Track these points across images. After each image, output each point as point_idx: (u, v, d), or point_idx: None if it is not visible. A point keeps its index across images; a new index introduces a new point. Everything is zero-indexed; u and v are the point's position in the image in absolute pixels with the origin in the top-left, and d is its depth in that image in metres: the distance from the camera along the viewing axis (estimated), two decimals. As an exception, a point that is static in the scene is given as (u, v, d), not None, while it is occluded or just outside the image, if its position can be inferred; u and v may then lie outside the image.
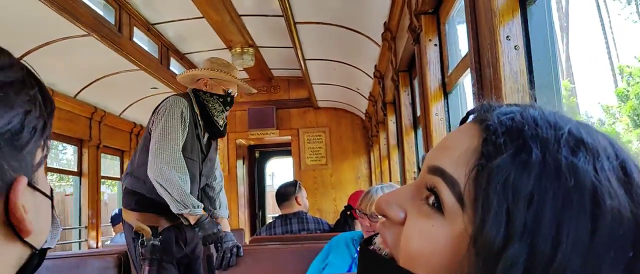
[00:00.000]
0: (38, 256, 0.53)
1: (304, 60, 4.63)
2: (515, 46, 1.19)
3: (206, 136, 2.55)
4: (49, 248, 0.56)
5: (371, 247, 0.53)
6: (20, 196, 0.46)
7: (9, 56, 0.49)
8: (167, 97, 2.43)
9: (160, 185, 2.23)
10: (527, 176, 0.42)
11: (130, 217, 2.43)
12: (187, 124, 2.37)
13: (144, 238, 2.36)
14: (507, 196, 0.42)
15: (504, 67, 1.18)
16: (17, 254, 0.49)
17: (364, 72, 4.57)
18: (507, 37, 1.19)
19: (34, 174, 0.50)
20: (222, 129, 2.56)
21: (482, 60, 1.32)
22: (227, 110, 2.54)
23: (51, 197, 0.54)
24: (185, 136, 2.37)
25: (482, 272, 0.42)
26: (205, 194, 2.68)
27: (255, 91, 2.78)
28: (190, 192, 2.29)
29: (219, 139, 2.72)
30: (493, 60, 1.22)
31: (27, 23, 3.14)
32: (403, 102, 3.23)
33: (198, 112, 2.48)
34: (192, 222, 2.26)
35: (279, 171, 10.55)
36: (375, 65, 4.04)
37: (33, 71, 0.51)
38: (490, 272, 0.41)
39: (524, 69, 1.18)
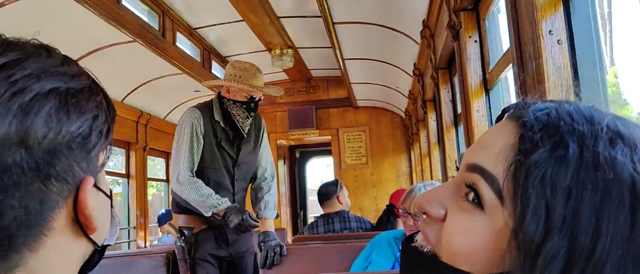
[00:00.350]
0: (99, 252, 0.56)
1: (343, 60, 4.65)
2: (558, 40, 1.17)
3: (236, 140, 2.56)
4: (109, 245, 0.59)
5: (413, 244, 0.54)
6: (87, 195, 0.49)
7: (77, 65, 0.52)
8: (186, 110, 2.52)
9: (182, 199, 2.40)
10: (565, 171, 0.42)
11: (175, 218, 2.60)
12: (201, 136, 2.42)
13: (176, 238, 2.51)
14: (545, 190, 0.42)
15: (547, 62, 1.16)
16: (83, 250, 0.52)
17: (402, 70, 4.53)
18: (550, 31, 1.17)
19: (98, 176, 0.53)
20: (246, 134, 2.55)
21: (524, 56, 1.31)
22: (251, 115, 2.51)
23: (111, 197, 0.57)
24: (201, 147, 2.42)
25: (524, 265, 0.43)
26: (254, 195, 2.68)
27: (281, 92, 2.73)
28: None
29: (266, 139, 2.73)
30: (535, 56, 1.20)
31: (77, 31, 3.28)
32: (443, 99, 3.20)
33: (221, 119, 2.50)
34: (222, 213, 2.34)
35: (315, 171, 10.53)
36: (414, 63, 4.00)
37: (97, 79, 0.54)
38: (532, 265, 0.42)
39: (567, 64, 1.16)
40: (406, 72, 4.47)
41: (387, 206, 3.61)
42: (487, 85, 2.17)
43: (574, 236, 0.41)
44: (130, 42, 3.44)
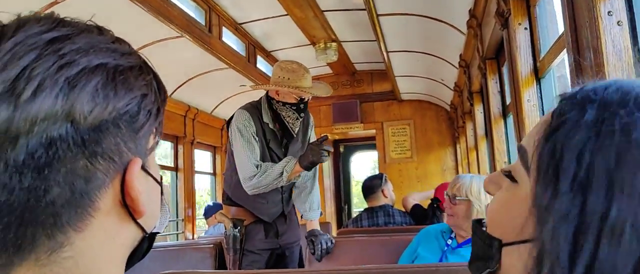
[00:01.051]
0: (148, 240, 0.55)
1: (387, 52, 4.60)
2: (618, 21, 1.11)
3: (284, 140, 2.57)
4: (158, 233, 0.58)
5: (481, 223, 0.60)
6: (135, 177, 0.48)
7: (128, 45, 0.52)
8: (235, 112, 2.53)
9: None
10: (578, 134, 0.44)
11: (226, 210, 2.66)
12: (252, 134, 2.43)
13: (226, 229, 2.56)
14: (555, 154, 0.45)
15: (606, 45, 1.10)
16: (131, 235, 0.51)
17: (448, 62, 4.44)
18: (609, 12, 1.11)
19: (146, 159, 0.51)
20: (295, 135, 2.55)
21: (581, 41, 1.25)
22: (301, 116, 2.49)
23: (160, 184, 0.56)
24: (257, 143, 2.43)
25: (538, 231, 0.45)
26: (297, 195, 2.68)
27: (329, 92, 2.67)
28: (270, 200, 2.51)
29: (313, 137, 2.72)
30: (593, 39, 1.15)
31: (127, 28, 3.37)
32: (491, 90, 3.11)
33: (270, 121, 2.50)
34: (300, 170, 2.35)
35: (361, 165, 10.52)
36: (460, 55, 3.91)
37: (148, 62, 0.54)
38: (544, 230, 0.44)
39: (628, 46, 1.10)
40: (451, 64, 4.37)
41: (431, 200, 3.56)
42: (538, 74, 2.10)
43: (585, 198, 0.42)
44: (178, 37, 3.52)
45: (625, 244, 0.40)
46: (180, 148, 4.84)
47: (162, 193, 0.57)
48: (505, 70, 2.93)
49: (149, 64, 0.53)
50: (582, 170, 0.42)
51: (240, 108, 2.53)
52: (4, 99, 0.40)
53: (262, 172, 2.36)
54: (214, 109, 5.37)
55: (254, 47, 4.79)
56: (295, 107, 2.45)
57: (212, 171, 5.69)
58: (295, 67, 2.46)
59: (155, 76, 0.53)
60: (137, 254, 0.54)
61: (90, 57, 0.45)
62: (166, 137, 4.86)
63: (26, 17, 0.45)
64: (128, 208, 0.49)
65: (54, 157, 0.42)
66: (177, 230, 4.84)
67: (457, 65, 4.15)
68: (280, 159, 2.50)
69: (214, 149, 5.67)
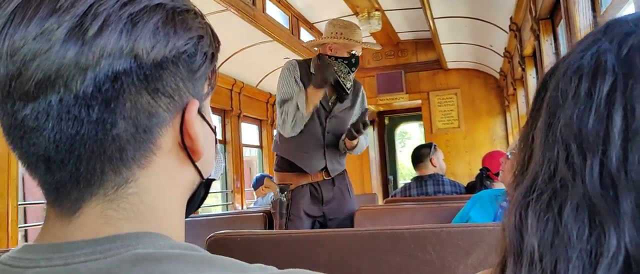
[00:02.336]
0: (205, 186, 0.57)
1: (433, 19, 4.47)
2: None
3: (333, 96, 2.63)
4: (214, 180, 0.59)
5: None
6: (194, 117, 0.50)
7: None
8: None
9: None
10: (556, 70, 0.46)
11: (276, 176, 2.73)
12: (294, 77, 2.52)
13: (274, 195, 2.64)
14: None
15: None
16: (190, 177, 0.53)
17: (497, 26, 4.28)
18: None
19: (202, 104, 0.53)
20: (348, 91, 2.60)
21: (649, -14, 1.16)
22: (353, 70, 2.55)
23: (215, 132, 0.58)
24: (295, 87, 2.52)
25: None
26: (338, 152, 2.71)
27: (379, 46, 2.78)
28: (312, 152, 2.57)
29: (365, 102, 2.82)
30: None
31: None
32: (545, 52, 2.98)
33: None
34: (320, 93, 2.45)
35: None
36: (511, 18, 3.76)
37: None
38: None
39: None
40: (501, 29, 4.21)
41: (480, 170, 3.48)
42: (598, 30, 1.98)
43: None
44: (222, 10, 3.54)
45: None
46: (228, 122, 4.92)
47: (216, 141, 0.59)
48: (560, 30, 2.79)
49: (199, 10, 0.54)
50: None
51: (288, 60, 2.68)
52: (73, 35, 0.42)
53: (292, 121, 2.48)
54: (259, 82, 5.41)
55: (297, 19, 4.77)
56: (347, 62, 2.51)
57: (258, 144, 5.77)
58: (347, 23, 2.56)
59: (209, 25, 0.54)
60: (195, 200, 0.56)
61: None
62: (214, 110, 4.94)
63: None
64: (187, 149, 0.50)
65: (120, 90, 0.44)
66: (227, 201, 4.96)
67: (507, 29, 4.00)
68: (326, 110, 2.61)
69: (260, 122, 5.73)
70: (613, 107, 0.37)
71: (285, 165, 2.66)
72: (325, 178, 2.63)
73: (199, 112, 0.51)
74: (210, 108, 0.58)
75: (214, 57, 0.54)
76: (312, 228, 2.64)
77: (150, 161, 0.48)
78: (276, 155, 2.74)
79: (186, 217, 0.55)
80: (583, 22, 2.01)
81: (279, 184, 2.58)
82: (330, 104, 2.62)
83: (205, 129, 0.54)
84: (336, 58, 2.51)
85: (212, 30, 0.54)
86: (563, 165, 0.39)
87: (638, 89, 0.37)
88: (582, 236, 0.36)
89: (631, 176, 0.35)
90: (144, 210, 0.47)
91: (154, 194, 0.48)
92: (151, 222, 0.48)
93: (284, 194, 2.54)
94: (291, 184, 2.59)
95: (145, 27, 0.45)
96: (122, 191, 0.46)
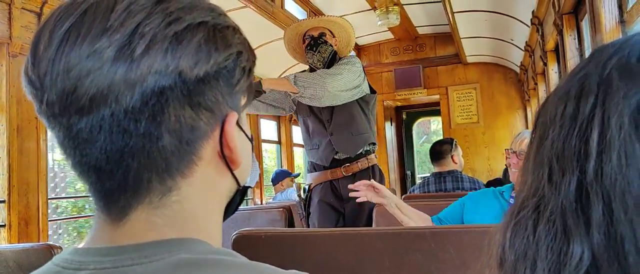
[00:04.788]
0: (241, 193, 0.59)
1: (452, 13, 4.43)
2: None
3: None
4: (250, 187, 0.63)
5: None
6: (232, 129, 0.52)
7: (220, 7, 0.55)
8: None
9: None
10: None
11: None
12: None
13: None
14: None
15: None
16: (228, 185, 0.56)
17: (518, 20, 4.23)
18: None
19: (240, 115, 0.55)
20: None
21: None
22: (312, 51, 2.61)
23: (251, 141, 0.60)
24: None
25: None
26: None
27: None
28: (320, 144, 2.63)
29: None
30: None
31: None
32: (568, 47, 2.93)
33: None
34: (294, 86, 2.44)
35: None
36: (533, 11, 3.71)
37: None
38: None
39: None
40: (523, 22, 4.16)
41: (506, 166, 3.45)
42: (624, 26, 1.95)
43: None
44: (242, 7, 3.56)
45: None
46: (247, 118, 4.95)
47: (252, 150, 0.62)
48: (584, 25, 2.75)
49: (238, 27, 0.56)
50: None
51: None
52: (123, 53, 0.45)
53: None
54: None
55: (315, 15, 4.76)
56: (307, 47, 2.64)
57: (277, 140, 5.79)
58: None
59: (246, 40, 0.56)
60: (232, 206, 0.59)
61: (193, 15, 0.49)
62: (233, 107, 4.98)
63: None
64: (226, 159, 0.53)
65: (165, 105, 0.46)
66: (247, 196, 5.00)
67: (529, 23, 3.94)
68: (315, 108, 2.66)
69: (278, 118, 5.75)
70: (592, 123, 0.40)
71: (310, 167, 2.73)
72: (346, 174, 2.60)
73: (237, 123, 0.54)
74: (246, 118, 0.60)
75: (251, 71, 0.56)
76: (337, 222, 2.63)
77: (193, 171, 0.50)
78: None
79: (222, 221, 0.57)
80: (609, 19, 1.98)
81: (308, 185, 2.65)
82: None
83: (243, 139, 0.56)
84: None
85: (249, 44, 0.56)
86: (546, 183, 0.42)
87: (612, 100, 0.39)
88: (550, 247, 0.39)
89: (604, 185, 0.38)
90: (186, 217, 0.50)
91: (195, 202, 0.51)
92: (192, 228, 0.50)
93: (304, 194, 2.58)
94: (311, 183, 2.63)
95: (189, 45, 0.47)
96: (166, 199, 0.49)
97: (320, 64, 2.59)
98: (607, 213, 0.37)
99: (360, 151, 2.63)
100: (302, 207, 2.62)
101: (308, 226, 2.61)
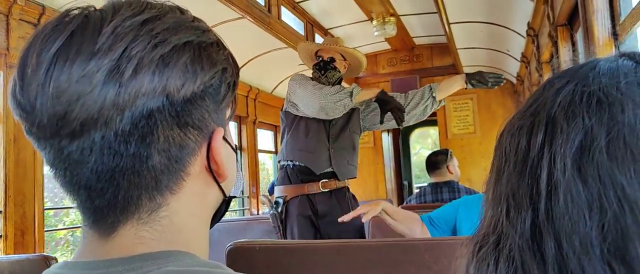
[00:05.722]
0: (226, 203, 0.61)
1: (448, 24, 4.46)
2: None
3: None
4: (235, 197, 0.64)
5: None
6: (219, 145, 0.54)
7: (204, 23, 0.56)
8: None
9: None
10: None
11: (275, 192, 2.71)
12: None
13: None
14: None
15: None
16: (215, 197, 0.57)
17: (514, 31, 4.25)
18: None
19: (225, 128, 0.57)
20: None
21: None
22: (324, 73, 2.65)
23: (236, 151, 0.62)
24: None
25: None
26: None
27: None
28: (316, 151, 2.57)
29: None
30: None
31: (191, 10, 3.46)
32: (563, 59, 2.92)
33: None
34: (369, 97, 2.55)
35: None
36: (528, 23, 3.73)
37: (219, 37, 0.58)
38: None
39: None
40: (518, 33, 4.19)
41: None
42: (617, 39, 1.97)
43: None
44: (239, 18, 3.58)
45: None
46: (244, 128, 4.95)
47: (237, 160, 0.63)
48: (578, 37, 2.77)
49: (222, 39, 0.58)
50: None
51: None
52: (111, 77, 0.45)
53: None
54: (274, 88, 5.44)
55: (312, 26, 4.79)
56: (317, 67, 2.69)
57: (274, 150, 5.79)
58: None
59: (229, 52, 0.57)
60: (217, 216, 0.61)
61: (179, 36, 0.49)
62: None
63: (119, 3, 0.50)
64: (212, 172, 0.54)
65: (154, 126, 0.47)
66: (243, 206, 4.99)
67: (524, 35, 3.97)
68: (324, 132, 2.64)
69: (275, 128, 5.75)
70: (541, 163, 0.40)
71: (281, 178, 2.64)
72: (323, 190, 2.56)
73: (223, 137, 0.55)
74: (230, 130, 0.61)
75: (235, 85, 0.57)
76: (315, 237, 2.55)
77: (181, 187, 0.52)
78: (279, 168, 2.71)
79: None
80: (601, 31, 2.00)
81: (279, 197, 2.58)
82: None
83: (228, 151, 0.57)
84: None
85: (232, 58, 0.57)
86: (504, 219, 0.42)
87: (558, 143, 0.40)
88: None
89: (554, 224, 0.38)
90: (174, 231, 0.51)
91: (183, 215, 0.52)
92: (180, 241, 0.51)
93: (276, 208, 2.55)
94: (286, 195, 2.57)
95: (175, 67, 0.48)
96: (155, 215, 0.50)
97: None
98: (558, 251, 0.38)
99: (351, 178, 2.70)
100: (278, 220, 2.57)
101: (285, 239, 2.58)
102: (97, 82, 0.45)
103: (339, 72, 2.69)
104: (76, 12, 0.49)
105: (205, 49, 0.51)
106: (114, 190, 0.48)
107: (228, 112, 0.57)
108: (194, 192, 0.53)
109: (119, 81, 0.45)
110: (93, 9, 0.49)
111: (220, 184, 0.56)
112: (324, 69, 2.65)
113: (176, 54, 0.48)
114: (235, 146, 0.63)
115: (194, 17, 0.55)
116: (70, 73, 0.45)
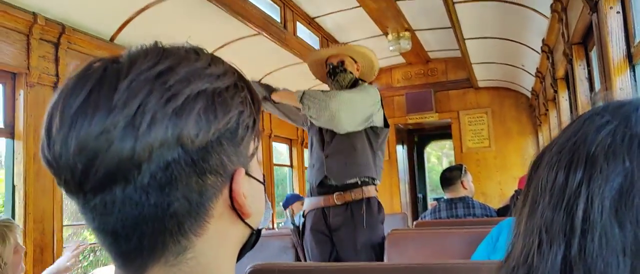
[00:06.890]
0: (255, 235, 0.61)
1: (463, 40, 4.48)
2: None
3: None
4: (263, 228, 0.64)
5: None
6: (240, 185, 0.54)
7: (222, 63, 0.57)
8: None
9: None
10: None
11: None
12: None
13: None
14: None
15: None
16: (241, 233, 0.58)
17: (529, 47, 4.26)
18: None
19: (249, 164, 0.57)
20: None
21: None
22: (333, 78, 2.65)
23: (263, 183, 0.62)
24: None
25: None
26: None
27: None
28: (315, 162, 2.60)
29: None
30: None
31: (209, 28, 3.54)
32: (578, 77, 2.95)
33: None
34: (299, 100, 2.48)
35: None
36: (543, 39, 3.73)
37: (242, 73, 0.59)
38: None
39: None
40: (533, 49, 4.19)
41: (515, 191, 3.45)
42: (632, 60, 1.97)
43: None
44: (255, 35, 3.63)
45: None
46: (261, 142, 4.99)
47: (265, 191, 0.63)
48: (593, 55, 2.77)
49: (243, 76, 0.59)
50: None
51: None
52: (127, 132, 0.47)
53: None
54: (290, 102, 5.48)
55: (327, 41, 4.83)
56: (328, 72, 2.67)
57: (289, 163, 5.82)
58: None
59: (250, 89, 0.58)
60: (247, 248, 0.61)
61: (191, 86, 0.50)
62: (245, 131, 5.01)
63: (136, 53, 0.52)
64: (237, 211, 0.55)
65: (171, 177, 0.49)
66: (259, 221, 5.01)
67: (539, 51, 3.97)
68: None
69: (290, 142, 5.79)
70: (578, 200, 0.41)
71: (307, 191, 2.68)
72: (337, 203, 2.50)
73: (247, 173, 0.56)
74: (257, 163, 0.61)
75: (255, 123, 0.58)
76: (331, 252, 2.52)
77: (206, 229, 0.53)
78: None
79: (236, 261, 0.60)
80: (616, 52, 2.00)
81: (293, 214, 2.63)
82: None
83: (253, 185, 0.58)
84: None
85: (251, 96, 0.58)
86: (535, 251, 0.43)
87: (597, 183, 0.40)
88: None
89: (586, 263, 0.39)
90: (201, 270, 0.53)
91: (209, 255, 0.54)
92: None
93: (296, 221, 2.57)
94: (305, 210, 2.60)
95: (188, 118, 0.49)
96: (181, 257, 0.52)
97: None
98: None
99: (353, 181, 2.51)
100: (297, 234, 2.59)
101: (304, 254, 2.59)
102: (114, 138, 0.46)
103: (351, 73, 2.64)
104: (98, 64, 0.51)
105: (219, 95, 0.52)
106: (139, 236, 0.50)
107: (251, 149, 0.57)
108: (219, 231, 0.54)
109: (135, 136, 0.47)
110: (112, 60, 0.51)
111: (246, 221, 0.57)
112: (334, 74, 2.63)
113: (188, 105, 0.49)
114: (263, 176, 0.63)
115: (212, 58, 0.56)
116: (90, 129, 0.47)
